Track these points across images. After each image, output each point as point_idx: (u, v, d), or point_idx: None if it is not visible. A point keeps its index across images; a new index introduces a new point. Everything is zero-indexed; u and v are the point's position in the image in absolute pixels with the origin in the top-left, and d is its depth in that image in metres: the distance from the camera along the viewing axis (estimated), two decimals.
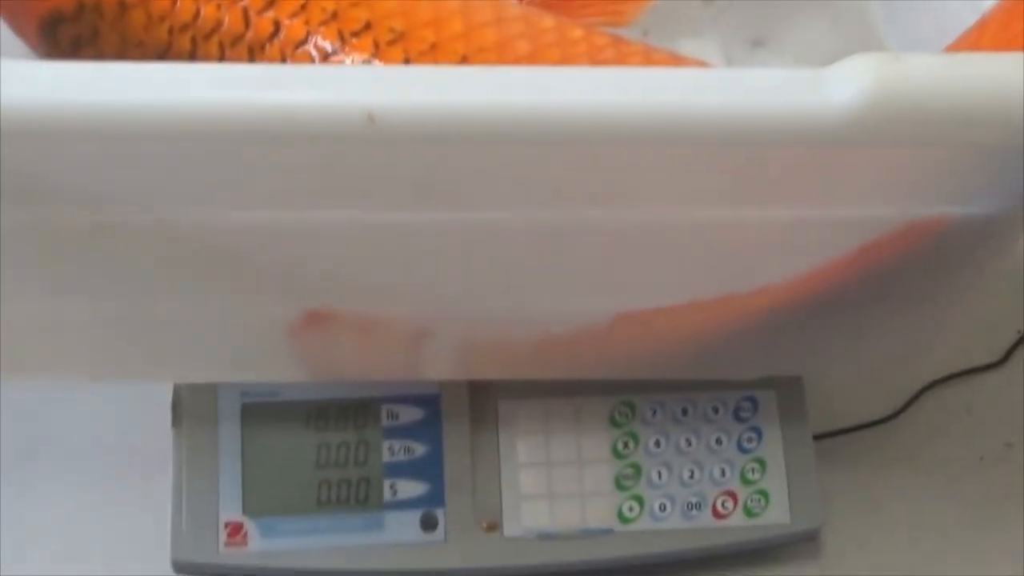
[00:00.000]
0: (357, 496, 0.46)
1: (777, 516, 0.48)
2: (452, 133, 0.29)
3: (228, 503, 0.46)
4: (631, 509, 0.47)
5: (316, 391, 0.47)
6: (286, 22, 0.41)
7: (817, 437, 0.49)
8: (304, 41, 0.41)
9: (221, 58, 0.41)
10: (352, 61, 0.40)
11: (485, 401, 0.48)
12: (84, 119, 0.28)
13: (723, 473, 0.48)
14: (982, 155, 0.31)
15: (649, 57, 0.43)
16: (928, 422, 0.52)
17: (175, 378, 0.46)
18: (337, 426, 0.47)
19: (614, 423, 0.48)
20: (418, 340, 0.42)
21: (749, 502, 0.48)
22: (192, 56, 0.42)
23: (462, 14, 0.42)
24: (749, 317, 0.40)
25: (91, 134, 0.28)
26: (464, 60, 0.41)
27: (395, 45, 0.41)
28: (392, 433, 0.47)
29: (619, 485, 0.48)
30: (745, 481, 0.48)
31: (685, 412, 0.48)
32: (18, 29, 0.45)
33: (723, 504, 0.48)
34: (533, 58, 0.42)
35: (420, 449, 0.47)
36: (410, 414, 0.47)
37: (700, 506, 0.47)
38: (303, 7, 0.41)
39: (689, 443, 0.48)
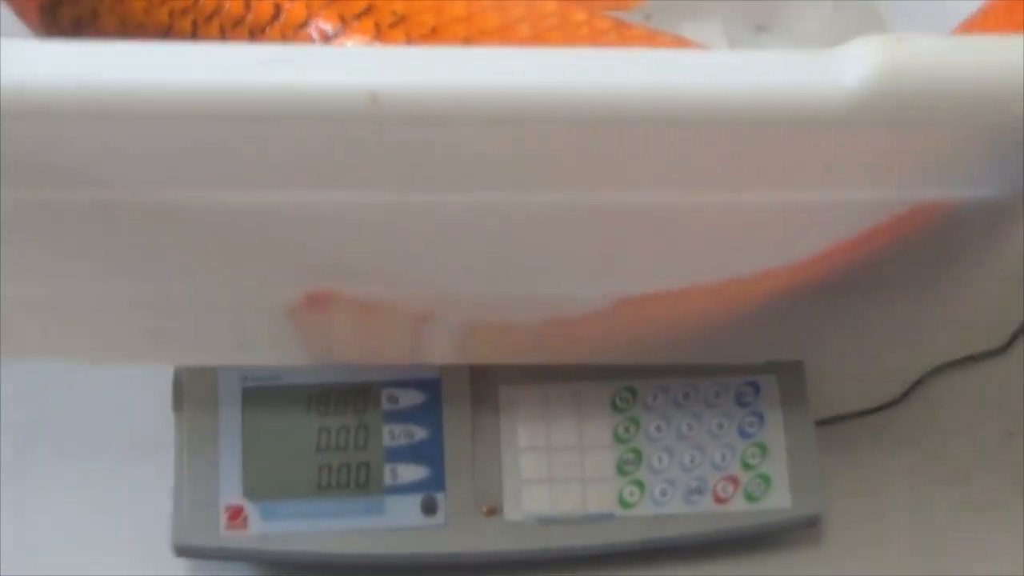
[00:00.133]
0: (357, 480, 0.46)
1: (778, 501, 0.48)
2: (455, 114, 0.29)
3: (229, 486, 0.46)
4: (632, 494, 0.47)
5: (317, 375, 0.47)
6: (286, 5, 0.41)
7: (819, 423, 0.49)
8: (305, 24, 0.41)
9: (222, 41, 0.41)
10: (353, 44, 0.40)
11: (486, 386, 0.48)
12: (85, 99, 0.27)
13: (724, 458, 0.48)
14: (987, 137, 0.31)
15: (652, 41, 0.43)
16: (930, 409, 0.52)
17: (176, 361, 0.46)
18: (338, 410, 0.47)
19: (615, 408, 0.48)
20: (419, 323, 0.42)
21: (750, 487, 0.48)
22: (193, 39, 0.42)
23: None
24: (751, 301, 0.40)
25: (92, 114, 0.28)
26: (466, 43, 0.41)
27: (396, 28, 0.41)
28: (393, 417, 0.47)
29: (620, 470, 0.48)
30: (746, 466, 0.48)
31: (686, 397, 0.48)
32: (19, 11, 0.45)
33: (724, 489, 0.48)
34: (535, 41, 0.42)
35: (420, 433, 0.47)
36: (411, 398, 0.47)
37: (701, 491, 0.48)
38: None
39: (690, 428, 0.48)
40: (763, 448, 0.48)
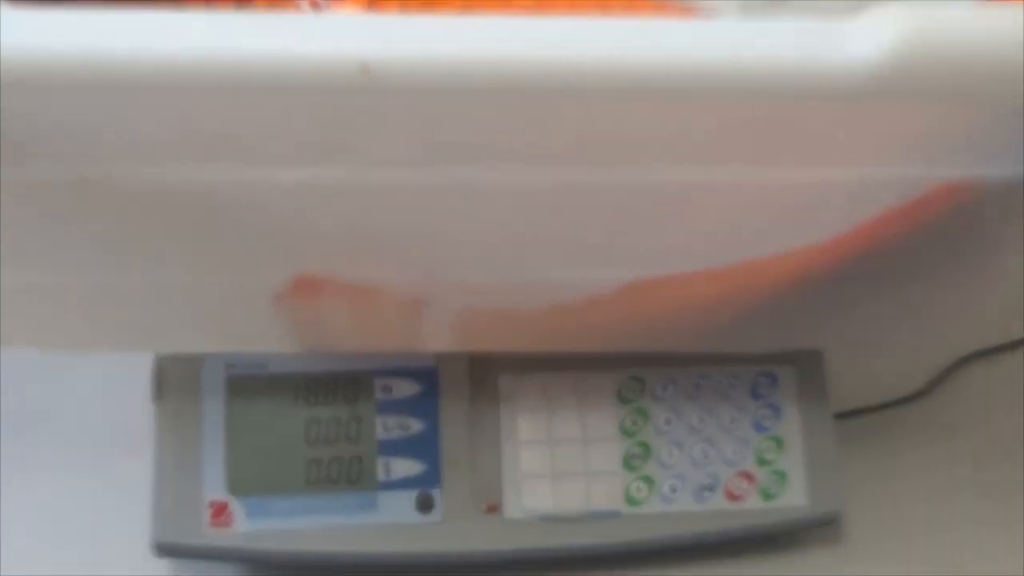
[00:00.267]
0: (349, 475, 0.47)
1: (795, 499, 0.48)
2: (451, 85, 0.29)
3: (212, 481, 0.46)
4: (639, 490, 0.48)
5: (305, 363, 0.47)
6: None
7: (838, 416, 0.50)
8: None
9: (207, 9, 0.42)
10: (345, 13, 0.41)
11: (485, 375, 0.48)
12: (65, 68, 0.28)
13: (738, 453, 0.48)
14: (1011, 113, 0.31)
15: (660, 10, 0.44)
16: (958, 401, 0.53)
17: (157, 348, 0.47)
18: (328, 401, 0.47)
19: (622, 399, 0.49)
20: (415, 309, 0.42)
21: (765, 483, 0.48)
22: (177, 7, 0.42)
23: None
24: (767, 286, 0.41)
25: (72, 83, 0.28)
26: (463, 11, 0.41)
27: None
28: (386, 408, 0.47)
29: (627, 465, 0.48)
30: (761, 461, 0.48)
31: (698, 388, 0.49)
32: None
33: (737, 485, 0.48)
34: (537, 10, 0.42)
35: (416, 426, 0.47)
36: (405, 389, 0.48)
37: (713, 487, 0.48)
38: None
39: (702, 420, 0.48)
40: (779, 442, 0.49)
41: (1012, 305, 0.53)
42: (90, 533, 0.49)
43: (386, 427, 0.47)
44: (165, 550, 0.46)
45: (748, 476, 0.48)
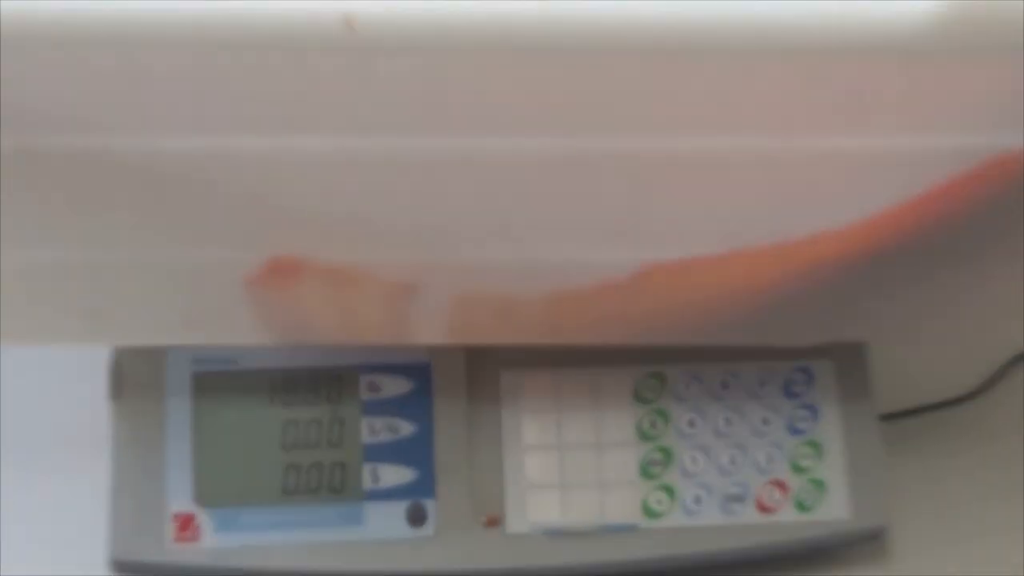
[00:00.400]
0: (331, 484, 0.47)
1: (835, 511, 0.48)
2: (444, 41, 0.29)
3: (177, 491, 0.46)
4: (659, 501, 0.48)
5: (282, 358, 0.47)
6: None
7: (883, 418, 0.50)
8: None
9: None
10: None
11: (484, 371, 0.48)
12: (20, 24, 0.28)
13: (770, 459, 0.48)
14: None
15: None
16: (1013, 402, 0.53)
17: (115, 341, 0.47)
18: (307, 400, 0.47)
19: (640, 398, 0.48)
20: (404, 296, 0.42)
21: (801, 494, 0.48)
22: None
23: None
24: (803, 269, 0.40)
25: (28, 40, 0.28)
26: None
27: None
28: (373, 409, 0.47)
29: (645, 472, 0.48)
30: (797, 469, 0.48)
31: (725, 385, 0.49)
32: None
33: (770, 496, 0.48)
34: None
35: (406, 428, 0.47)
36: (394, 386, 0.48)
37: (742, 498, 0.48)
38: None
39: (730, 423, 0.48)
40: (817, 447, 0.48)
41: None
42: (39, 550, 0.49)
43: (373, 430, 0.47)
44: (124, 568, 0.46)
45: (782, 485, 0.48)
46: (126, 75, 0.30)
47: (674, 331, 0.45)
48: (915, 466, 0.51)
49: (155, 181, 0.34)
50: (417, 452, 0.47)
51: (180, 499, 0.46)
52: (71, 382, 0.49)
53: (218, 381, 0.47)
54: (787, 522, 0.48)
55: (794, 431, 0.48)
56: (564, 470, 0.47)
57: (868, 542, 0.49)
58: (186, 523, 0.46)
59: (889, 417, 0.51)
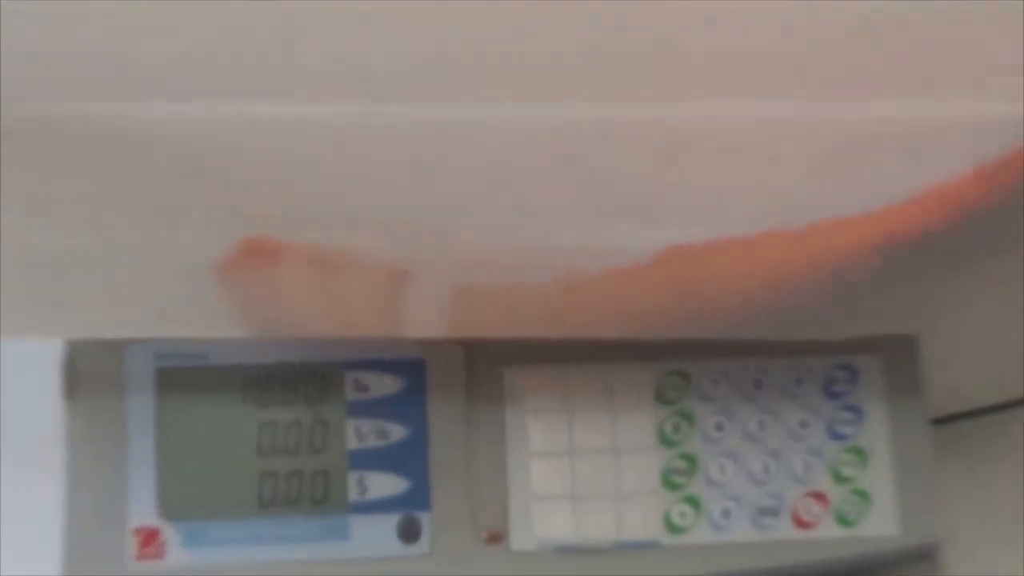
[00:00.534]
0: (313, 494, 0.47)
1: (881, 526, 0.48)
2: None
3: (139, 502, 0.46)
4: (683, 515, 0.48)
5: (257, 352, 0.47)
6: None
7: (935, 422, 0.49)
8: None
9: None
10: None
11: (485, 368, 0.48)
12: None
13: (808, 467, 0.48)
14: None
15: None
16: None
17: (68, 333, 0.46)
18: (285, 400, 0.47)
19: (661, 399, 0.48)
20: (396, 283, 0.42)
21: (843, 507, 0.48)
22: None
23: None
24: (847, 252, 0.40)
25: None
26: None
27: None
28: (360, 410, 0.47)
29: (667, 482, 0.48)
30: (839, 478, 0.48)
31: (758, 385, 0.48)
32: None
33: (808, 509, 0.48)
34: None
35: (397, 432, 0.47)
36: (384, 385, 0.47)
37: (777, 511, 0.48)
38: None
39: (762, 426, 0.48)
40: (861, 454, 0.48)
41: None
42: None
43: (359, 434, 0.47)
44: None
45: (821, 497, 0.48)
46: (80, 31, 0.30)
47: (700, 323, 0.45)
48: (971, 475, 0.51)
49: (113, 152, 0.34)
50: (409, 459, 0.47)
51: (142, 512, 0.46)
52: (21, 381, 0.49)
53: (185, 378, 0.47)
54: (827, 538, 0.48)
55: (835, 436, 0.48)
56: (575, 479, 0.47)
57: (918, 561, 0.48)
58: (149, 538, 0.46)
59: (941, 420, 0.50)
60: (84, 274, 0.40)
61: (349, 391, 0.47)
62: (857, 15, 0.30)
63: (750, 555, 0.48)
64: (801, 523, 0.48)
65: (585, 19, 0.29)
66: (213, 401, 0.47)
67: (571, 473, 0.47)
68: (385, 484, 0.47)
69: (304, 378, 0.47)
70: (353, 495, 0.47)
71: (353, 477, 0.47)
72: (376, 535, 0.46)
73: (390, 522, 0.47)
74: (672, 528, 0.47)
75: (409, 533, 0.47)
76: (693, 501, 0.48)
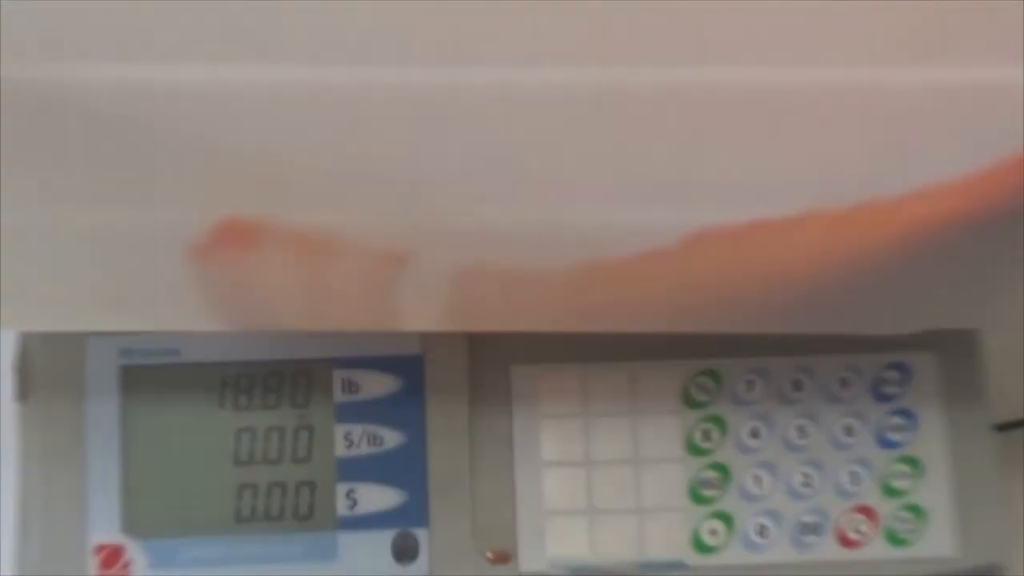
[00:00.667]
0: (296, 509, 0.47)
1: (938, 545, 0.48)
2: None
3: (101, 517, 0.46)
4: (714, 533, 0.48)
5: (234, 349, 0.47)
6: None
7: (999, 428, 0.50)
8: None
9: None
10: None
11: (490, 366, 0.49)
12: None
13: (855, 479, 0.48)
14: None
15: None
16: None
17: (21, 326, 0.46)
18: (266, 402, 0.47)
19: (689, 402, 0.48)
20: (390, 270, 0.42)
21: (895, 523, 0.48)
22: None
23: None
24: (899, 236, 0.40)
25: None
26: None
27: None
28: (350, 414, 0.47)
29: (696, 496, 0.48)
30: (889, 491, 0.48)
31: (798, 386, 0.48)
32: None
33: (855, 526, 0.48)
34: None
35: (392, 438, 0.47)
36: (377, 385, 0.48)
37: (819, 529, 0.48)
38: None
39: (803, 433, 0.48)
40: (915, 464, 0.48)
41: None
42: None
43: (350, 440, 0.47)
44: None
45: (870, 513, 0.48)
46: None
47: (733, 316, 0.45)
48: None
49: (69, 121, 0.34)
50: (405, 469, 0.47)
51: (105, 527, 0.46)
52: None
53: (153, 378, 0.47)
54: (876, 559, 0.48)
55: (886, 443, 0.48)
56: (592, 492, 0.48)
57: None
58: (112, 557, 0.46)
59: (1006, 427, 0.50)
60: (37, 259, 0.40)
61: (338, 392, 0.47)
62: None
63: None
64: (847, 542, 0.48)
65: None
66: (184, 403, 0.47)
67: (587, 485, 0.48)
68: (378, 497, 0.47)
69: (287, 377, 0.47)
70: (342, 510, 0.47)
71: (342, 489, 0.47)
72: (367, 554, 0.47)
73: (383, 540, 0.47)
74: (701, 547, 0.48)
75: (405, 552, 0.47)
76: (725, 517, 0.48)
